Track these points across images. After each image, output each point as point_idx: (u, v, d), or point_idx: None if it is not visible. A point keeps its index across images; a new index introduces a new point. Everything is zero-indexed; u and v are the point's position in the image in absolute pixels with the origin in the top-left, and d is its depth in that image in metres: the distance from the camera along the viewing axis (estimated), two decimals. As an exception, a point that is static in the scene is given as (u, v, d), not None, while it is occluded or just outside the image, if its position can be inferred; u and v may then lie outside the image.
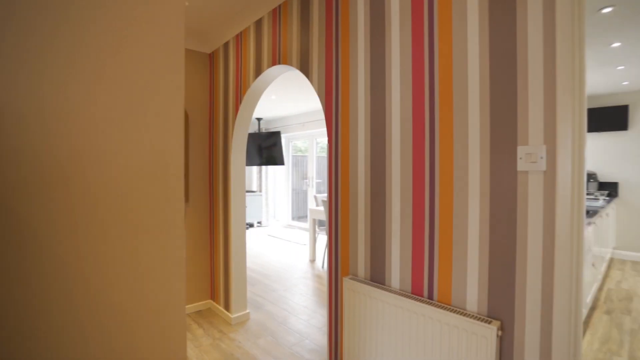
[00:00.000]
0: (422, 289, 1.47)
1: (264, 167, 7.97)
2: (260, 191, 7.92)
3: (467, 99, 1.32)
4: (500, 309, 1.23)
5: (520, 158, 1.19)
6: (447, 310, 1.32)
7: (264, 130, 7.80)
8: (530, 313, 1.16)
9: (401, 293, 1.51)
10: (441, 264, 1.40)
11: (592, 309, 3.11)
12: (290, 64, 2.20)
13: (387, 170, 1.62)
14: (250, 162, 7.01)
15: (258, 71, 2.50)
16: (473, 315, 1.27)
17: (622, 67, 3.76)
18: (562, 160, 1.10)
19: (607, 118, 4.95)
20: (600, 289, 3.62)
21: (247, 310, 2.90)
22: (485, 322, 1.22)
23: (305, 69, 2.09)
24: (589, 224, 2.86)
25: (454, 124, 1.37)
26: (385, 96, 1.62)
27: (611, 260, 4.78)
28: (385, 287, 1.59)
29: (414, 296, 1.48)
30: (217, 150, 3.01)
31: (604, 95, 5.05)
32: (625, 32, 2.84)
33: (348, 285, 1.70)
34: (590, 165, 5.20)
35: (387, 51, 1.61)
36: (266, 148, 6.84)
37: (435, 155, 1.43)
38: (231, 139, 2.79)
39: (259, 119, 7.33)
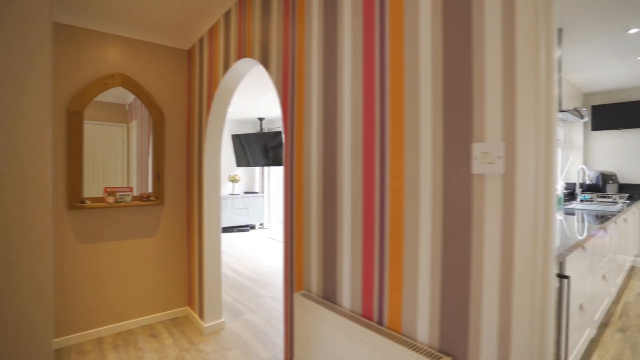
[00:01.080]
0: (372, 312, 1.26)
1: (266, 168, 7.84)
2: (263, 192, 7.80)
3: (419, 88, 1.11)
4: (453, 342, 1.02)
5: (476, 158, 0.96)
6: (396, 341, 1.11)
7: (266, 130, 7.68)
8: (486, 350, 0.94)
9: (351, 315, 1.31)
10: (392, 285, 1.19)
11: (604, 325, 2.79)
12: (253, 57, 2.02)
13: (338, 172, 1.42)
14: (255, 163, 6.89)
15: (226, 66, 2.34)
16: (423, 350, 1.05)
17: (642, 56, 3.40)
18: (523, 161, 0.87)
19: (629, 114, 4.53)
20: (616, 302, 3.27)
21: (222, 319, 2.74)
22: (435, 358, 1.01)
23: (265, 62, 1.91)
24: (600, 230, 2.56)
25: (405, 117, 1.15)
26: (337, 95, 1.42)
27: (632, 269, 4.37)
28: (336, 306, 1.39)
29: (364, 320, 1.27)
30: (193, 150, 2.88)
31: (625, 90, 4.63)
32: (642, 15, 2.52)
33: (299, 302, 1.51)
34: (609, 166, 4.78)
35: (339, 45, 1.41)
36: (272, 148, 6.70)
37: (385, 153, 1.22)
38: (204, 138, 2.64)
39: (260, 119, 7.21)
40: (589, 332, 2.27)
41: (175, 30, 2.82)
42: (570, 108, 2.64)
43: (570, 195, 4.38)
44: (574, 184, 4.29)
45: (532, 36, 0.85)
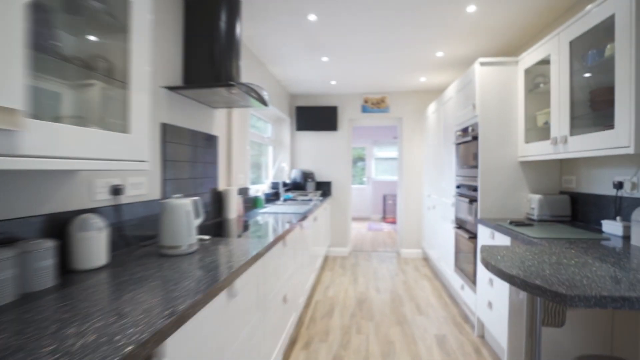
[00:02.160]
0: None
1: None
2: None
3: None
4: None
5: None
6: None
7: None
8: None
9: None
10: None
11: (292, 344, 2.47)
12: None
13: None
14: None
15: None
16: None
17: (326, 58, 3.49)
18: None
19: (322, 118, 4.95)
20: (307, 305, 3.18)
21: None
22: None
23: None
24: (290, 230, 2.13)
25: None
26: None
27: (326, 260, 4.81)
28: None
29: None
30: None
31: (319, 95, 5.06)
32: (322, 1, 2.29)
33: None
34: (310, 164, 5.12)
35: None
36: None
37: None
38: None
39: None
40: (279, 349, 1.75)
41: None
42: (249, 86, 2.01)
43: (275, 195, 4.24)
44: (281, 183, 4.14)
45: None
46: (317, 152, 5.10)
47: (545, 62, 2.23)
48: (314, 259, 3.62)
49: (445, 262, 3.55)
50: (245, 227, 2.14)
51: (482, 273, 2.42)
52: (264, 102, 2.24)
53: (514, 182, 2.53)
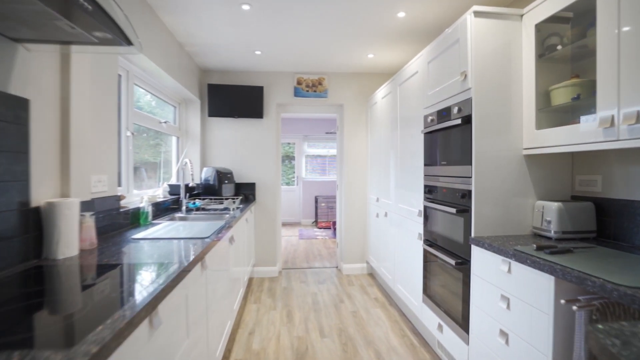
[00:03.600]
0: None
1: None
2: None
3: None
4: None
5: None
6: None
7: None
8: None
9: None
10: None
11: None
12: None
13: None
14: None
15: None
16: None
17: (247, 6, 2.42)
18: None
19: (243, 101, 3.84)
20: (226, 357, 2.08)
21: None
22: None
23: None
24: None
25: None
26: None
27: (250, 283, 3.71)
28: None
29: None
30: None
31: (240, 72, 3.93)
32: None
33: None
34: (227, 161, 3.96)
35: None
36: None
37: None
38: None
39: None
40: None
41: None
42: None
43: (176, 202, 3.01)
44: (183, 187, 2.95)
45: None
46: (237, 145, 3.96)
47: (565, 19, 1.54)
48: (233, 286, 2.53)
49: (405, 285, 2.77)
50: (87, 284, 0.99)
51: (483, 320, 1.63)
52: (125, 38, 1.12)
53: (516, 184, 1.81)
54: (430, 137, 2.27)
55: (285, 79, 3.97)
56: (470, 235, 1.78)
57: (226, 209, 3.00)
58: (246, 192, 3.95)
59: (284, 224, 7.74)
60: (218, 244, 1.93)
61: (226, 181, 3.52)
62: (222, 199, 3.36)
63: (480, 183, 1.77)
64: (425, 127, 2.33)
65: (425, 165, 2.35)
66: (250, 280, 3.88)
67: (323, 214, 7.50)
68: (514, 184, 1.80)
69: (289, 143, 8.12)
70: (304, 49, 3.24)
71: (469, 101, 1.80)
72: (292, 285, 3.70)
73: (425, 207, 2.33)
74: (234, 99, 3.79)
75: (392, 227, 3.06)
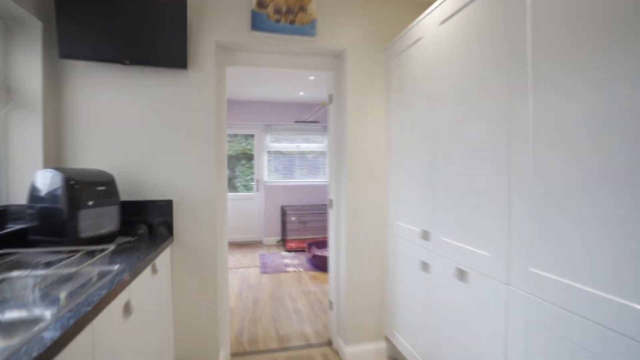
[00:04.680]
0: None
1: None
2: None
3: None
4: None
5: None
6: None
7: None
8: None
9: None
10: None
11: None
12: None
13: None
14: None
15: None
16: None
17: None
18: None
19: (146, 30, 1.85)
20: None
21: None
22: None
23: None
24: None
25: None
26: None
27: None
28: None
29: None
30: None
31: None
32: None
33: None
34: (105, 158, 1.95)
35: None
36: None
37: None
38: None
39: None
40: None
41: None
42: None
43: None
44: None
45: None
46: (132, 124, 1.96)
47: None
48: None
49: None
50: None
51: None
52: None
53: None
54: None
55: (235, -3, 2.04)
56: None
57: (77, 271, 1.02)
58: (152, 220, 1.96)
59: (239, 245, 5.74)
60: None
61: (90, 201, 1.52)
62: (68, 250, 1.36)
63: None
64: None
65: None
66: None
67: (293, 229, 5.60)
68: None
69: (245, 136, 6.12)
70: None
71: None
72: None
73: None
74: (120, 23, 1.79)
75: (472, 302, 1.26)
